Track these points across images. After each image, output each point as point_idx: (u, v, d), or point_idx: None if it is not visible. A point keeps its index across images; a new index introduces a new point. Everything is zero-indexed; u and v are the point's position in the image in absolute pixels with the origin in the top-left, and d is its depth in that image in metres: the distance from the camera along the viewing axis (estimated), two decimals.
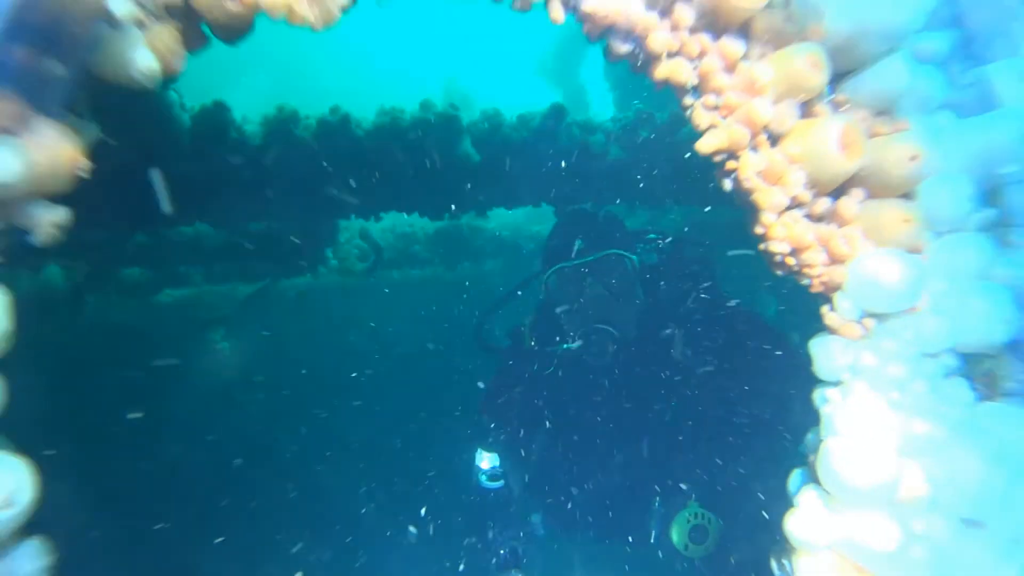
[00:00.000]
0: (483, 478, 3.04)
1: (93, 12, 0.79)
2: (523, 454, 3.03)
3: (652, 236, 2.97)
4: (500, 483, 3.03)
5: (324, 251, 5.48)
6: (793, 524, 1.07)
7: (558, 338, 2.88)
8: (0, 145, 0.76)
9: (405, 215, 4.39)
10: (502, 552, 2.71)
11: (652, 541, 2.73)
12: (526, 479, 3.04)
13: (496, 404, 3.13)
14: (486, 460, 3.05)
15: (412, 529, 3.71)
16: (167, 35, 0.98)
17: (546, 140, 3.36)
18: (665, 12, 1.04)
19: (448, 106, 3.36)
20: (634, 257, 2.78)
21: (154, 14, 0.95)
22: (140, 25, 0.94)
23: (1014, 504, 1.04)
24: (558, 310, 2.85)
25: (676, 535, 2.52)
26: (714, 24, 1.02)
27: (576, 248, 2.76)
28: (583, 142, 3.34)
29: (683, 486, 2.66)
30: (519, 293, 3.25)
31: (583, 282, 2.75)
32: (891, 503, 1.02)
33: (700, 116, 1.04)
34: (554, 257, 2.87)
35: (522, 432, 3.06)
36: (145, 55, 0.93)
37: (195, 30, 1.03)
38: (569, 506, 3.00)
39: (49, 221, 0.86)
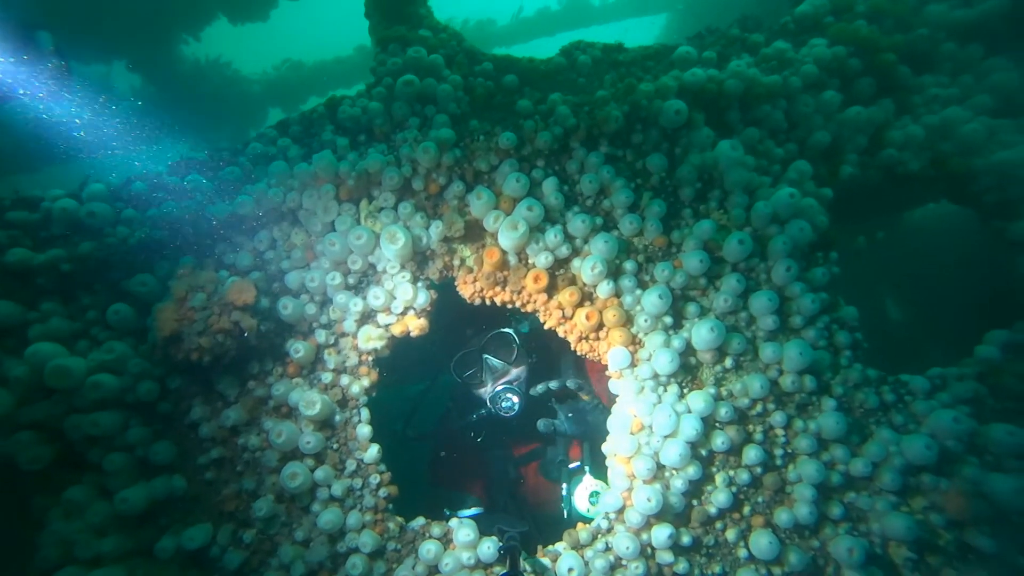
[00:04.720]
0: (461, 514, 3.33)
1: None
2: (483, 501, 3.49)
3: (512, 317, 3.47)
4: (480, 510, 3.37)
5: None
6: (604, 446, 3.05)
7: (475, 409, 3.42)
8: None
9: None
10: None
11: (566, 517, 3.26)
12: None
13: (440, 473, 3.61)
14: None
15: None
16: None
17: None
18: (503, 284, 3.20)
19: None
20: (511, 331, 3.39)
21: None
22: None
23: (681, 431, 2.93)
24: (468, 383, 3.33)
25: (580, 502, 3.12)
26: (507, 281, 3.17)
27: (468, 337, 3.33)
28: None
29: (578, 464, 3.27)
30: (427, 393, 3.84)
31: (481, 358, 3.28)
32: (631, 433, 2.96)
33: (543, 315, 3.16)
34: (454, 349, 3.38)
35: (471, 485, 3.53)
36: None
37: None
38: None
39: None
